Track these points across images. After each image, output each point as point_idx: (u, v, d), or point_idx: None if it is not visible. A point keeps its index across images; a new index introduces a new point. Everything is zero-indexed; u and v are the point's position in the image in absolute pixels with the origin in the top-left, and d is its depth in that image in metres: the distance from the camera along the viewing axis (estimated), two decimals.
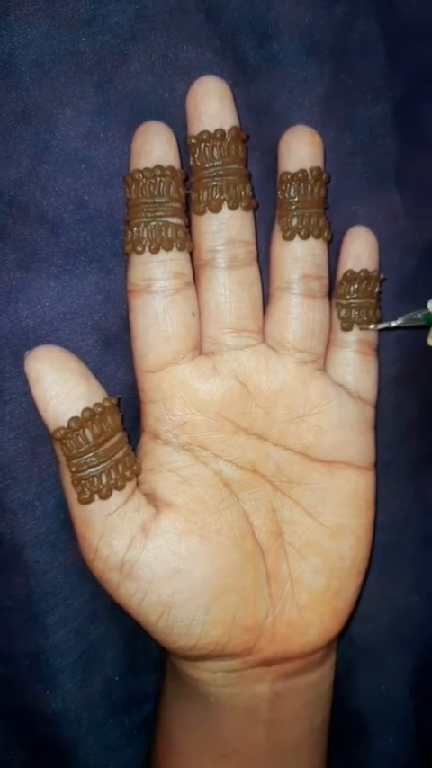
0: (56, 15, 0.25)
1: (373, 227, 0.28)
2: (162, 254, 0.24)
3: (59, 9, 0.25)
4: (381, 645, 0.32)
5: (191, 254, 0.25)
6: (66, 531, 0.26)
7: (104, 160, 0.26)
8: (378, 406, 0.28)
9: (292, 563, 0.27)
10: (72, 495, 0.24)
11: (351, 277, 0.27)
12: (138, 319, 0.25)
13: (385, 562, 0.31)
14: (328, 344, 0.27)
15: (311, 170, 0.26)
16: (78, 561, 0.25)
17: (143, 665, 0.30)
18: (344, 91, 0.28)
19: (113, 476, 0.23)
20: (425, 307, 0.27)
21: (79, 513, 0.24)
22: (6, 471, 0.26)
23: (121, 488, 0.24)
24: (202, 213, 0.25)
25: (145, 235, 0.24)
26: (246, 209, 0.25)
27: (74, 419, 0.23)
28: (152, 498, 0.25)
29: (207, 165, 0.25)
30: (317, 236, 0.26)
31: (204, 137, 0.24)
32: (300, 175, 0.26)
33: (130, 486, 0.24)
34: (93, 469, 0.23)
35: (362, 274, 0.27)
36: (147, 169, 0.24)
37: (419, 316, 0.26)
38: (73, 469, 0.23)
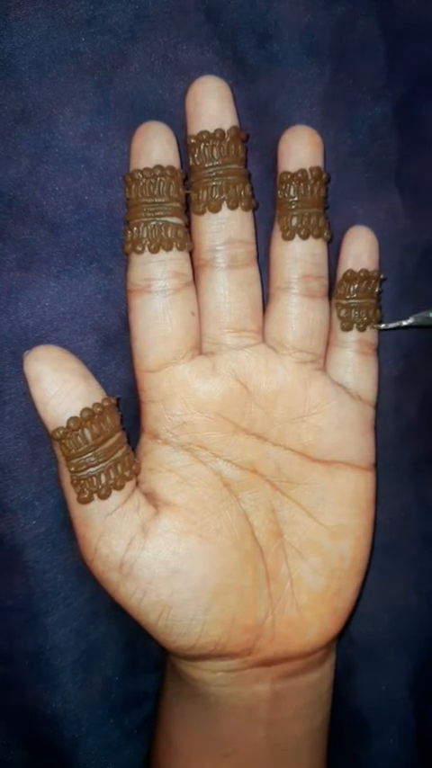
0: (55, 15, 0.25)
1: (373, 227, 0.28)
2: (162, 254, 0.24)
3: (59, 9, 0.25)
4: (381, 645, 0.32)
5: (191, 254, 0.25)
6: (65, 531, 0.26)
7: (104, 160, 0.26)
8: (378, 406, 0.28)
9: (291, 563, 0.27)
10: (71, 494, 0.24)
11: (351, 277, 0.27)
12: (137, 319, 0.25)
13: (385, 562, 0.31)
14: (328, 344, 0.27)
15: (311, 170, 0.26)
16: (78, 561, 0.25)
17: (143, 665, 0.30)
18: (344, 91, 0.28)
19: (112, 475, 0.23)
20: (425, 307, 0.27)
21: (78, 512, 0.24)
22: (6, 471, 0.26)
23: (120, 488, 0.24)
24: (202, 213, 0.25)
25: (145, 234, 0.24)
26: (245, 208, 0.25)
27: (73, 419, 0.23)
28: (152, 498, 0.25)
29: (207, 165, 0.25)
30: (316, 236, 0.26)
31: (204, 137, 0.24)
32: (299, 175, 0.26)
33: (129, 485, 0.24)
34: (92, 469, 0.23)
35: (362, 274, 0.27)
36: (146, 169, 0.24)
37: None
38: (72, 469, 0.23)
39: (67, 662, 0.28)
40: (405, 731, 0.33)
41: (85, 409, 0.23)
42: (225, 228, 0.25)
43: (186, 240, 0.25)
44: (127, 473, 0.24)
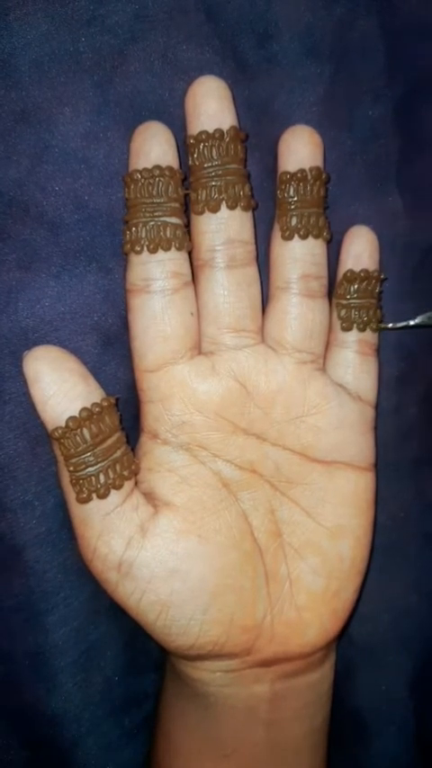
0: (55, 15, 0.25)
1: (373, 228, 0.28)
2: (160, 254, 0.24)
3: (59, 9, 0.25)
4: (381, 645, 0.32)
5: (190, 254, 0.25)
6: (65, 531, 0.26)
7: (104, 160, 0.26)
8: (378, 406, 0.28)
9: (290, 563, 0.27)
10: (71, 494, 0.24)
11: (351, 277, 0.27)
12: (136, 319, 0.25)
13: (385, 562, 0.31)
14: (329, 345, 0.27)
15: (311, 170, 0.26)
16: (78, 561, 0.25)
17: (143, 664, 0.30)
18: (344, 91, 0.28)
19: (111, 475, 0.24)
20: (426, 307, 0.27)
21: (78, 512, 0.24)
22: (6, 471, 0.26)
23: (118, 488, 0.24)
24: (201, 213, 0.25)
25: (143, 235, 0.24)
26: (244, 208, 0.25)
27: (71, 419, 0.23)
28: (151, 498, 0.25)
29: (206, 165, 0.25)
30: (316, 236, 0.26)
31: (203, 137, 0.24)
32: (299, 175, 0.26)
33: (128, 485, 0.24)
34: (90, 469, 0.23)
35: (362, 274, 0.27)
36: (145, 169, 0.24)
37: None
38: (71, 469, 0.23)
39: (67, 662, 0.28)
40: (405, 731, 0.33)
41: (84, 409, 0.23)
42: (224, 228, 0.25)
43: (185, 240, 0.25)
44: (126, 473, 0.24)
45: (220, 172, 0.25)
